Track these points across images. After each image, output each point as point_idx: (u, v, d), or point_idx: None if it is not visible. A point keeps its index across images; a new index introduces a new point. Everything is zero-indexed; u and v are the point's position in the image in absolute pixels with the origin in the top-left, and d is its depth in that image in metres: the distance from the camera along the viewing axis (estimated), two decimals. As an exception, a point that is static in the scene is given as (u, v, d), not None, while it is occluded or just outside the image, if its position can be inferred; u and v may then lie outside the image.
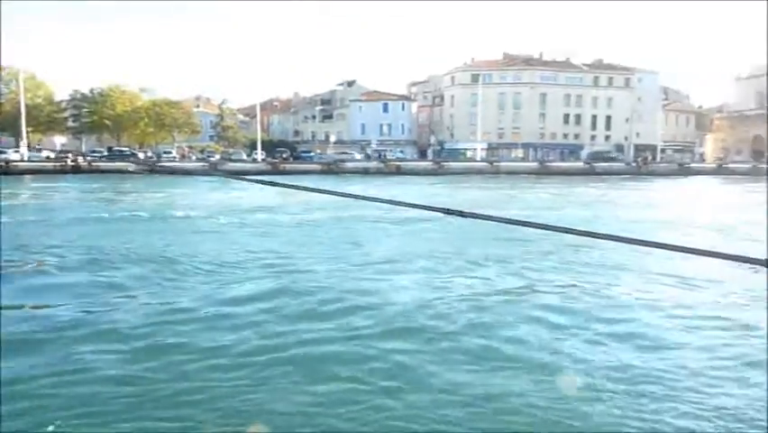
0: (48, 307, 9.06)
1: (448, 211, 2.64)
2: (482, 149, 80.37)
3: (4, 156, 60.63)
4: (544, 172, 64.14)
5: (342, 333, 7.83)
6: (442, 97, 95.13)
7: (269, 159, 69.38)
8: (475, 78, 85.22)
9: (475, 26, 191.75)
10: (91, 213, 23.12)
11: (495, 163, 69.30)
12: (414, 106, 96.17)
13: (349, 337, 7.64)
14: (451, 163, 69.15)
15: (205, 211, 23.68)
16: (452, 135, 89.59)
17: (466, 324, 8.25)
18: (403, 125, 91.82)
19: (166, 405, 5.72)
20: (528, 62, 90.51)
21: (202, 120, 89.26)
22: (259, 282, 10.71)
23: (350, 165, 65.25)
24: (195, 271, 11.61)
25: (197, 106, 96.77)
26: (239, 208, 24.71)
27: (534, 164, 71.37)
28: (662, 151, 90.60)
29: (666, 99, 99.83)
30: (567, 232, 2.62)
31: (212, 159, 67.87)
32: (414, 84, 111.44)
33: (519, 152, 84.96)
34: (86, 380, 6.23)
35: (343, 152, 73.88)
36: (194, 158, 70.99)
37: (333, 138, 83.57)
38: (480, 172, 62.74)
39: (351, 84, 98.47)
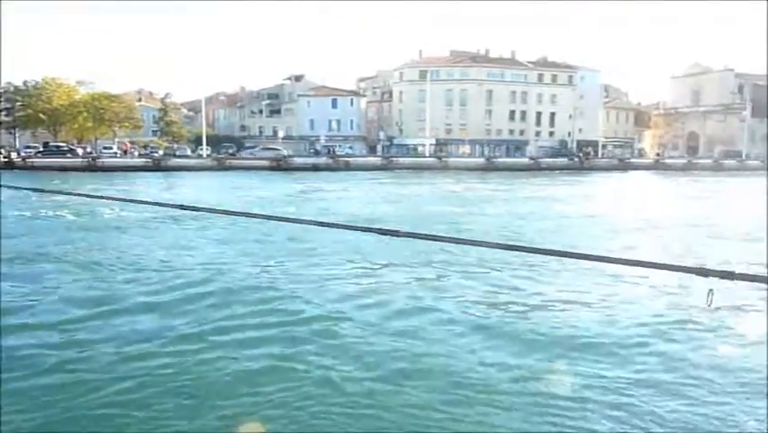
0: None
1: (383, 232, 2.60)
2: (431, 145, 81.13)
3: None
4: (490, 168, 65.35)
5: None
6: (390, 93, 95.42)
7: (214, 155, 68.00)
8: (423, 75, 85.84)
9: (423, 23, 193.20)
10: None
11: (443, 159, 70.12)
12: (363, 102, 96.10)
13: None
14: (400, 159, 69.59)
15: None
16: (400, 131, 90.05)
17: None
18: (352, 121, 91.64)
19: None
20: (475, 59, 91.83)
21: (144, 114, 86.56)
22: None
23: (298, 161, 64.73)
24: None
25: (139, 100, 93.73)
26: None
27: (482, 160, 72.64)
28: (604, 146, 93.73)
29: (607, 97, 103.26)
30: (508, 249, 2.62)
31: (155, 154, 66.04)
32: (362, 79, 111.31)
33: (466, 148, 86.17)
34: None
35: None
36: (136, 153, 68.85)
37: (281, 133, 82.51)
38: (428, 168, 63.33)
39: (299, 78, 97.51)
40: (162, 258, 13.08)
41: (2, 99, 76.01)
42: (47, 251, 14.05)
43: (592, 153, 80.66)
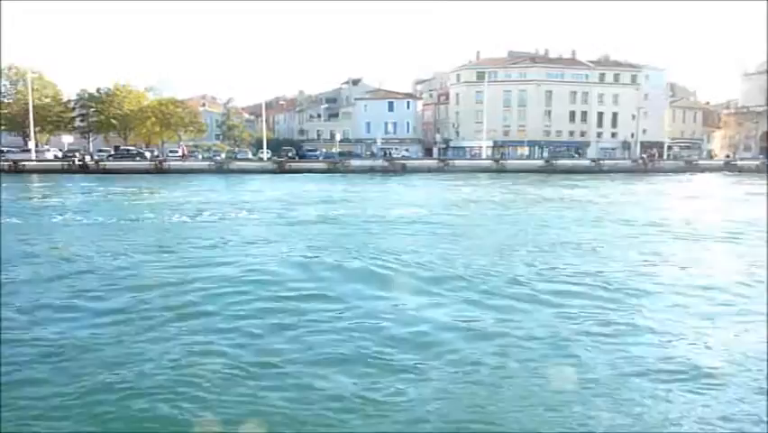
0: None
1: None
2: (488, 147, 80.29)
3: (11, 156, 61.40)
4: (549, 170, 63.97)
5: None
6: (447, 95, 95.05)
7: (274, 158, 69.59)
8: (480, 76, 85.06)
9: (480, 24, 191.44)
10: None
11: (501, 161, 69.20)
12: (419, 104, 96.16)
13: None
14: (456, 161, 69.10)
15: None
16: (457, 133, 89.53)
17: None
18: (408, 124, 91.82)
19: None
20: (534, 60, 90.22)
21: (207, 119, 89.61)
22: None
23: (355, 164, 65.37)
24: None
25: (203, 105, 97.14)
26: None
27: (540, 162, 71.18)
28: (669, 148, 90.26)
29: (673, 96, 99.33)
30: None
31: (217, 158, 68.18)
32: (419, 82, 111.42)
33: (525, 150, 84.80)
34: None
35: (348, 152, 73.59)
36: (200, 157, 71.28)
37: (338, 136, 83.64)
38: (485, 170, 62.60)
39: (356, 82, 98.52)
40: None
41: (78, 105, 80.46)
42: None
43: (657, 155, 77.72)
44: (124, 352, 7.27)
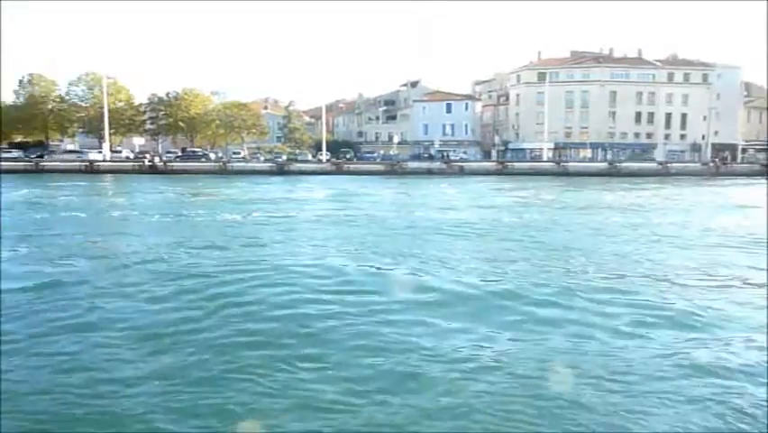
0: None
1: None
2: (549, 149, 78.65)
3: (88, 156, 64.98)
4: (613, 173, 62.00)
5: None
6: (507, 96, 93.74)
7: (333, 159, 70.62)
8: (542, 77, 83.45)
9: (542, 24, 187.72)
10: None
11: (562, 164, 67.64)
12: (478, 106, 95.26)
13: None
14: (516, 164, 68.05)
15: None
16: (517, 135, 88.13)
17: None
18: (466, 125, 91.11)
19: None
20: (598, 59, 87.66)
21: (269, 122, 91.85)
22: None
23: (412, 165, 65.47)
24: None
25: (265, 108, 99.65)
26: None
27: (604, 165, 69.05)
28: (744, 150, 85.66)
29: (748, 96, 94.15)
30: None
31: (278, 159, 69.79)
32: (478, 83, 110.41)
33: (587, 152, 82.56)
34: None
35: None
36: (261, 158, 73.19)
37: (396, 139, 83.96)
38: (546, 173, 61.37)
39: (414, 84, 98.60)
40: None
41: (148, 109, 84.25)
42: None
43: (729, 158, 73.93)
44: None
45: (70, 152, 69.65)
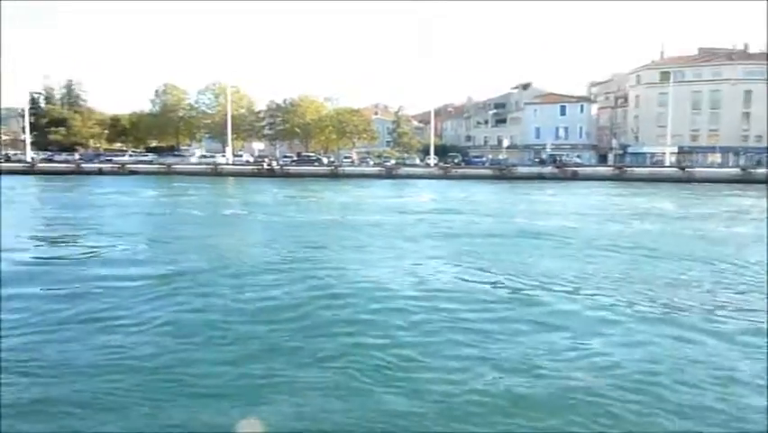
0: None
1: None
2: (671, 153, 73.55)
3: (213, 160, 70.32)
4: (747, 180, 56.66)
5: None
6: (625, 98, 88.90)
7: (440, 163, 70.68)
8: (665, 76, 78.26)
9: (665, 21, 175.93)
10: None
11: (687, 169, 62.90)
12: (594, 108, 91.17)
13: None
14: (635, 169, 64.32)
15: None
16: (636, 138, 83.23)
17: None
18: (581, 128, 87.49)
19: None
20: (730, 56, 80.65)
21: (379, 127, 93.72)
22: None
23: (522, 170, 63.98)
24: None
25: (376, 114, 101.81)
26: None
27: (736, 170, 63.34)
28: None
29: None
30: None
31: (387, 163, 71.02)
32: (595, 84, 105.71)
33: (717, 157, 76.23)
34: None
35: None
36: (371, 163, 74.89)
37: (505, 142, 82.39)
38: (668, 179, 57.37)
39: (526, 87, 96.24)
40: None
41: (267, 115, 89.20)
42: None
43: None
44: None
45: (201, 156, 75.70)
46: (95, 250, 15.61)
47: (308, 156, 77.79)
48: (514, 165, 66.94)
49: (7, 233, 18.08)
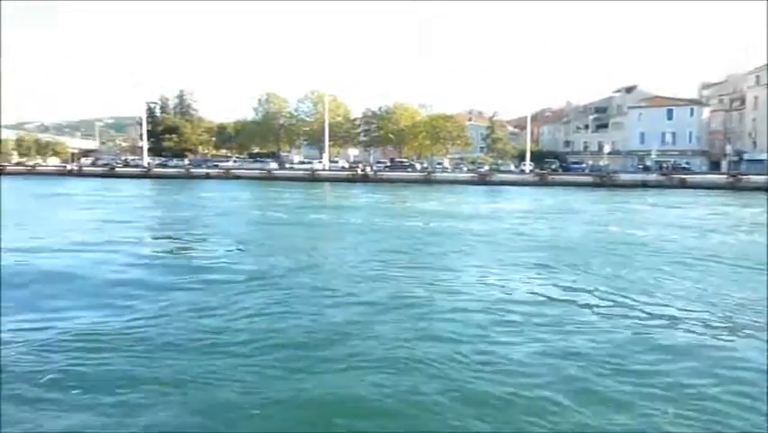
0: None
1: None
2: (797, 160, 67.17)
3: (310, 166, 73.00)
4: None
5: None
6: (742, 100, 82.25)
7: (536, 170, 68.91)
8: (789, 76, 71.71)
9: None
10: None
11: (814, 177, 57.06)
12: (705, 112, 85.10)
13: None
14: (751, 177, 59.32)
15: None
16: (754, 144, 76.76)
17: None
18: (690, 133, 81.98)
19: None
20: None
21: (473, 133, 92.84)
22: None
23: (624, 177, 60.97)
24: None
25: (470, 120, 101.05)
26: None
27: None
28: None
29: None
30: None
31: (481, 170, 70.23)
32: (707, 86, 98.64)
33: None
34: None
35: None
36: (464, 169, 74.39)
37: (606, 148, 78.80)
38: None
39: (630, 90, 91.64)
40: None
41: (362, 122, 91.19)
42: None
43: None
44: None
45: (300, 162, 79.03)
46: (192, 246, 17.75)
47: (401, 162, 78.55)
48: (615, 172, 63.89)
49: (128, 231, 20.40)
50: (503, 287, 11.51)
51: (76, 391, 6.24)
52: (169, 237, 20.38)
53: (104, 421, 5.63)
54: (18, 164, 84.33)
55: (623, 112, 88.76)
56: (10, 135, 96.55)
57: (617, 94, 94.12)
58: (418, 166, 75.80)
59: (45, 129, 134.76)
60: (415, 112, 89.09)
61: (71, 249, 16.07)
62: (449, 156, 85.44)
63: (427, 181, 62.42)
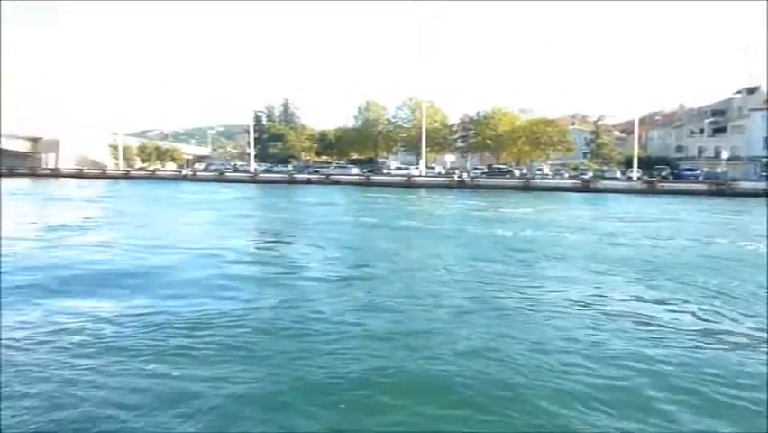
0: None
1: None
2: None
3: (407, 172, 73.67)
4: None
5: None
6: None
7: (644, 177, 65.21)
8: None
9: None
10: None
11: None
12: None
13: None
14: None
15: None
16: None
17: None
18: (824, 138, 74.19)
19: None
20: None
21: (576, 138, 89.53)
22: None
23: (745, 185, 56.19)
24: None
25: (573, 124, 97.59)
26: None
27: None
28: None
29: None
30: None
31: (584, 176, 67.53)
32: None
33: None
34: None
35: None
36: (566, 175, 71.87)
37: (725, 154, 73.09)
38: None
39: (752, 91, 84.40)
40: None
41: (459, 128, 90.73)
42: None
43: None
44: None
45: (396, 168, 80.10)
46: (288, 246, 18.91)
47: (499, 168, 77.18)
48: (735, 180, 58.99)
49: (231, 231, 21.90)
50: (602, 303, 11.05)
51: (175, 359, 7.55)
52: (268, 237, 21.89)
53: (202, 386, 6.71)
54: (140, 169, 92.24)
55: (744, 114, 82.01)
56: (134, 143, 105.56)
57: (738, 95, 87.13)
58: (517, 172, 74.11)
59: (164, 137, 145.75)
60: (514, 117, 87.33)
61: (182, 246, 17.56)
62: (549, 162, 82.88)
63: (526, 188, 60.90)
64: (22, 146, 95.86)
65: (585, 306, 10.62)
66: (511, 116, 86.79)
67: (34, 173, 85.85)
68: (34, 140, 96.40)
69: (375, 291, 11.51)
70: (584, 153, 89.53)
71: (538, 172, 74.13)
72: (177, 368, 7.19)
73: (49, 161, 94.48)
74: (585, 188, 59.51)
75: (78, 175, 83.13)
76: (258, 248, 18.73)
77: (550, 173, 74.14)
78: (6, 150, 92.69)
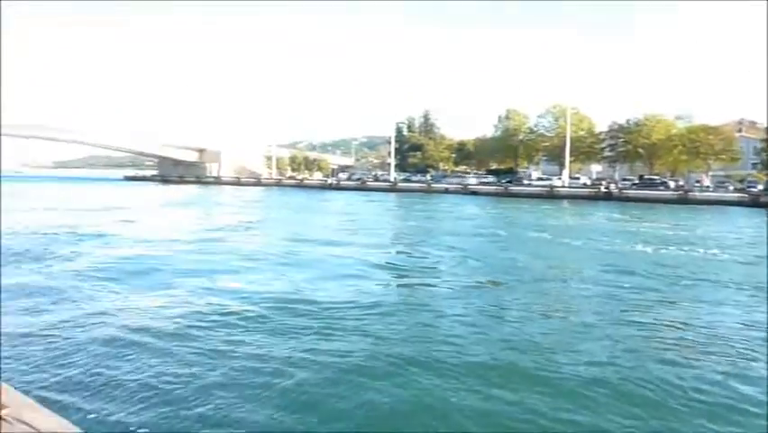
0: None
1: None
2: None
3: (549, 182, 71.11)
4: None
5: None
6: None
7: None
8: None
9: None
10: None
11: None
12: None
13: None
14: None
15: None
16: None
17: None
18: None
19: None
20: None
21: (743, 146, 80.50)
22: None
23: None
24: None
25: (739, 131, 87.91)
26: None
27: None
28: None
29: None
30: None
31: (753, 189, 60.50)
32: None
33: None
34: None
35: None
36: (731, 188, 64.85)
37: None
38: None
39: None
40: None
41: (607, 137, 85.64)
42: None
43: None
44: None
45: (538, 178, 77.67)
46: (418, 252, 19.54)
47: (651, 179, 71.52)
48: None
49: (366, 236, 23.06)
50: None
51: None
52: (401, 243, 22.73)
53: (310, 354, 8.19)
54: (290, 177, 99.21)
55: None
56: (286, 153, 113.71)
57: None
58: (672, 184, 68.15)
59: (313, 148, 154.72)
60: (670, 124, 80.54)
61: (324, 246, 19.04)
62: (711, 173, 75.23)
63: (683, 201, 55.85)
64: (191, 156, 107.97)
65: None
66: (666, 123, 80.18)
67: (200, 180, 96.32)
68: (200, 151, 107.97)
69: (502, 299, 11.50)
70: (753, 164, 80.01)
71: (697, 184, 67.64)
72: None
73: (212, 169, 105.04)
74: (755, 202, 53.25)
75: (237, 183, 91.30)
76: (388, 252, 19.97)
77: (711, 185, 67.30)
78: (178, 159, 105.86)
